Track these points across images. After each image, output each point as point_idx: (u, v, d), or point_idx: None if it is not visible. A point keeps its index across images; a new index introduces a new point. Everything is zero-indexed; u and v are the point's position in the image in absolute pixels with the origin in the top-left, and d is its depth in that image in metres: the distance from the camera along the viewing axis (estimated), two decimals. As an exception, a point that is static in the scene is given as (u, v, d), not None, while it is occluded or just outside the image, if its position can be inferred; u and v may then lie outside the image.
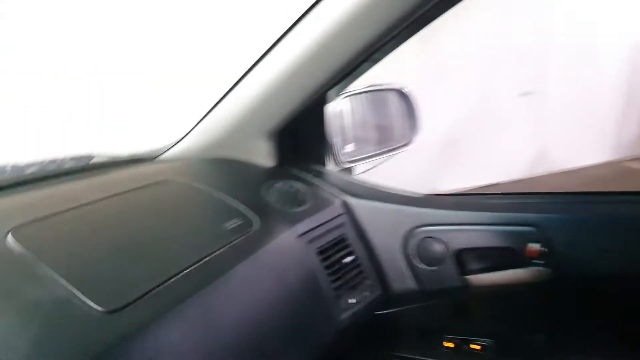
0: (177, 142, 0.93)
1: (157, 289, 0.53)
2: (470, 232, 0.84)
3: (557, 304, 0.83)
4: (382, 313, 0.90)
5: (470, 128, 2.83)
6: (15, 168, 0.81)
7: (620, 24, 3.05)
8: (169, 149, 0.94)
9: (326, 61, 0.77)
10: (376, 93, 1.10)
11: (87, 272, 0.53)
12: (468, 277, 0.85)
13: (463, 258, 0.85)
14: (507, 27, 2.76)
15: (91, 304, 0.48)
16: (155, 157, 0.94)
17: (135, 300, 0.51)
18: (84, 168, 0.83)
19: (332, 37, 0.74)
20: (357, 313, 0.79)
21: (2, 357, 0.43)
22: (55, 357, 0.44)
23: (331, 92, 0.91)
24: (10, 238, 0.54)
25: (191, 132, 0.92)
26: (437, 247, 0.85)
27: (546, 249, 0.79)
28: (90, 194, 0.69)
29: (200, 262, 0.60)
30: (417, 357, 0.93)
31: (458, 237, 0.84)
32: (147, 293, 0.52)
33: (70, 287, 0.49)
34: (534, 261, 0.80)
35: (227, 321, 0.59)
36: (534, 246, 0.79)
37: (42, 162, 0.82)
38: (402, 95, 1.11)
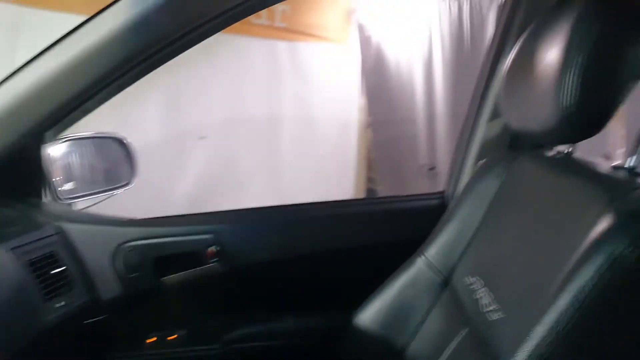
0: None
1: None
2: (165, 243, 1.09)
3: (230, 290, 1.14)
4: (93, 321, 1.06)
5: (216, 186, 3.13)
6: None
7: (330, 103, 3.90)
8: None
9: (41, 106, 0.93)
10: (98, 139, 1.30)
11: None
12: (164, 279, 1.09)
13: (160, 264, 1.09)
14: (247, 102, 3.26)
15: None
16: None
17: None
18: None
19: (45, 88, 0.91)
20: (64, 315, 0.94)
21: None
22: None
23: (49, 134, 1.07)
24: None
25: None
26: (139, 258, 1.07)
27: (220, 250, 1.09)
28: None
29: None
30: (125, 355, 1.11)
31: (155, 248, 1.08)
32: None
33: None
34: (212, 260, 1.10)
35: None
36: (212, 248, 1.09)
37: None
38: (122, 143, 1.33)
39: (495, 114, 1.11)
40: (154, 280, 1.08)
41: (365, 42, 4.20)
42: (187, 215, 1.17)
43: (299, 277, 1.17)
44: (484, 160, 1.00)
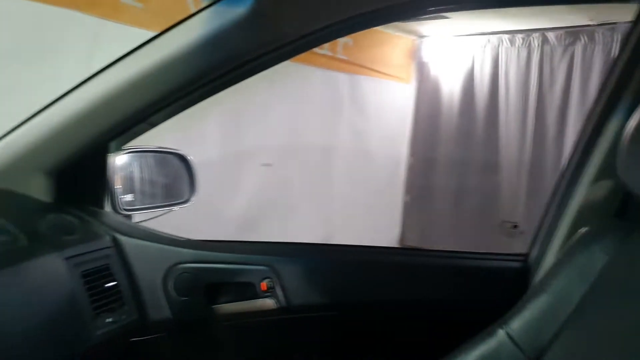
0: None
1: None
2: (219, 269, 1.04)
3: (283, 328, 1.06)
4: (138, 340, 1.01)
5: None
6: None
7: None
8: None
9: (109, 115, 0.93)
10: (161, 154, 1.28)
11: None
12: (215, 307, 1.03)
13: (212, 291, 1.04)
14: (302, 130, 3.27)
15: None
16: None
17: None
18: None
19: (114, 97, 0.90)
20: (112, 332, 0.90)
21: None
22: None
23: (114, 144, 1.05)
24: None
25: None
26: (191, 282, 1.02)
27: (274, 284, 1.03)
28: None
29: None
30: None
31: (209, 273, 1.03)
32: None
33: None
34: (265, 294, 1.03)
35: None
36: (266, 282, 1.03)
37: None
38: (184, 160, 1.31)
39: (600, 175, 0.99)
40: (204, 307, 1.03)
41: (423, 81, 4.15)
42: (243, 242, 1.12)
43: (356, 326, 1.08)
44: (585, 227, 0.87)
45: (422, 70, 4.13)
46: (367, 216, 3.65)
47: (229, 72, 0.95)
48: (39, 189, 1.00)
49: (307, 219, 3.30)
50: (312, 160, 3.37)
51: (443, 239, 3.87)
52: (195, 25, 0.88)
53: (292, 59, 1.01)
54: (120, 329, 0.92)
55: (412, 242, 4.07)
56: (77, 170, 1.01)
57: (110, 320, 0.90)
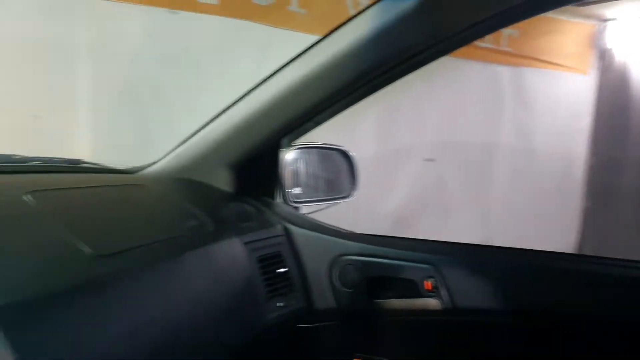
0: (155, 163, 1.12)
1: (134, 250, 0.70)
2: (382, 264, 1.04)
3: (448, 331, 1.02)
4: (305, 327, 1.07)
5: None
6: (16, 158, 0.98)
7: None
8: (147, 167, 1.12)
9: (281, 114, 1.00)
10: (325, 150, 1.33)
11: (84, 225, 0.70)
12: (377, 301, 1.04)
13: (374, 284, 1.04)
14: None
15: (85, 248, 0.65)
16: (134, 172, 1.12)
17: (119, 252, 0.67)
18: (74, 169, 1.01)
19: (285, 98, 0.97)
20: (282, 316, 0.96)
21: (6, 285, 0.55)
22: (49, 285, 0.57)
23: (285, 141, 1.13)
24: (27, 197, 0.71)
25: (168, 156, 1.11)
26: (355, 274, 1.04)
27: (438, 284, 1.00)
28: (80, 183, 0.87)
29: (164, 241, 0.77)
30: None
31: (372, 267, 1.04)
32: (128, 250, 0.69)
33: (70, 234, 0.66)
34: (429, 293, 1.01)
35: (179, 293, 0.75)
36: (430, 281, 1.00)
37: (41, 158, 0.99)
38: (347, 156, 1.35)
39: None
40: (367, 300, 1.04)
41: (607, 70, 3.67)
42: (406, 239, 1.10)
43: (529, 336, 0.99)
44: None
45: (604, 59, 3.65)
46: (536, 220, 3.35)
47: (393, 69, 0.95)
48: (222, 181, 1.11)
49: (466, 219, 3.16)
50: (472, 157, 3.21)
51: (633, 250, 3.37)
52: (362, 24, 0.89)
53: (450, 54, 0.97)
54: (290, 314, 0.98)
55: (593, 252, 3.63)
56: (253, 164, 1.10)
57: (281, 304, 0.96)
